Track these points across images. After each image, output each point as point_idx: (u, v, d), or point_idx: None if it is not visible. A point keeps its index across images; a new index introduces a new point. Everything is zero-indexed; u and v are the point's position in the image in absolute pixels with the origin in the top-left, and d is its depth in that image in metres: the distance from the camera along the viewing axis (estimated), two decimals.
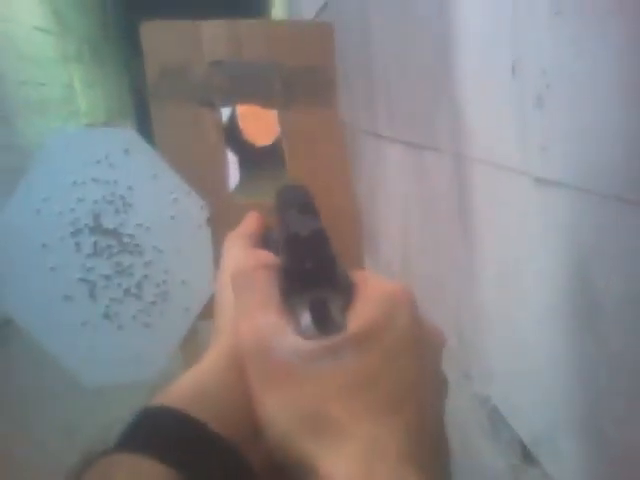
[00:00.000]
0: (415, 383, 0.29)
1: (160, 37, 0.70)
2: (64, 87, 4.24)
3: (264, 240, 0.39)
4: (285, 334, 0.28)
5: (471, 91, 0.90)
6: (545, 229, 0.70)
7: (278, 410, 0.27)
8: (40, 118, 3.64)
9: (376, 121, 1.59)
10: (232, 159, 0.97)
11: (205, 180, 0.71)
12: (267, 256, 0.33)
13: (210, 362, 0.31)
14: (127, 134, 0.66)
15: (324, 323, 0.29)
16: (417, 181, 1.29)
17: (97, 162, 0.65)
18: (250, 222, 0.41)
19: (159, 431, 0.26)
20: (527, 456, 0.86)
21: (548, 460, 0.79)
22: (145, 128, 0.75)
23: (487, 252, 0.92)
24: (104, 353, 0.71)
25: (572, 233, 0.63)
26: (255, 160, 1.14)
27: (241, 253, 0.35)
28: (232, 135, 1.11)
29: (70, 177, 0.65)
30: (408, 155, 1.33)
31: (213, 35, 0.77)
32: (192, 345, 0.77)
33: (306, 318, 0.29)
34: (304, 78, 0.83)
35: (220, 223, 0.79)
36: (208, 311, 0.80)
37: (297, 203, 0.37)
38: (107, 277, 0.67)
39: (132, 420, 0.27)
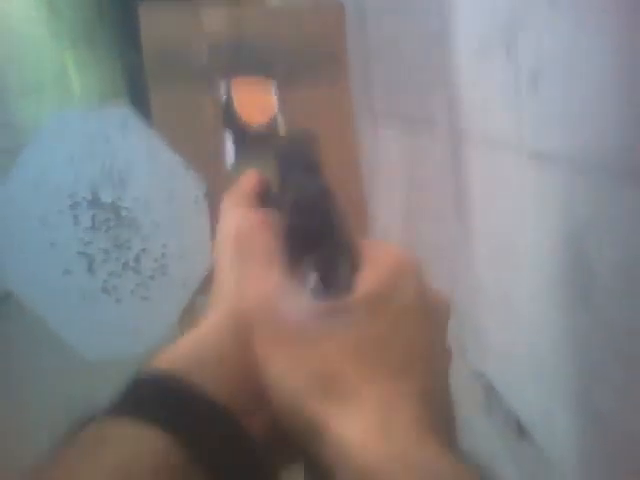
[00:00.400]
0: (423, 347, 0.28)
1: (158, 18, 0.70)
2: (58, 69, 4.22)
3: (263, 198, 0.37)
4: (293, 294, 0.27)
5: (467, 70, 0.90)
6: (540, 204, 0.70)
7: (287, 370, 0.26)
8: (35, 100, 3.62)
9: (373, 102, 1.59)
10: (228, 137, 0.98)
11: (202, 156, 0.71)
12: (268, 215, 0.32)
13: (209, 325, 0.29)
14: (124, 112, 0.66)
15: (332, 283, 0.28)
16: (414, 160, 1.29)
17: (94, 139, 0.65)
18: (248, 180, 0.38)
19: (155, 396, 0.25)
20: (522, 432, 0.88)
21: (543, 435, 0.81)
22: (140, 110, 0.75)
23: (483, 228, 0.93)
24: (103, 326, 0.71)
25: (566, 207, 0.64)
26: (250, 139, 1.13)
27: (240, 213, 0.33)
28: (227, 115, 1.11)
29: (68, 153, 0.65)
30: (405, 135, 1.33)
31: (212, 16, 0.77)
32: (190, 319, 0.77)
33: (313, 278, 0.28)
34: (308, 57, 0.83)
35: (217, 198, 0.80)
36: (206, 285, 0.81)
37: (301, 160, 0.36)
38: (105, 251, 0.68)
39: (126, 384, 0.26)
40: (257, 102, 1.06)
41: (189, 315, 0.79)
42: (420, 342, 0.28)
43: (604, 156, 0.55)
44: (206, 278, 0.75)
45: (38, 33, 4.05)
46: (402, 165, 1.40)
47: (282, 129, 0.89)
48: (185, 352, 0.28)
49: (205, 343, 0.28)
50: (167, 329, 0.77)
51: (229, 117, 1.03)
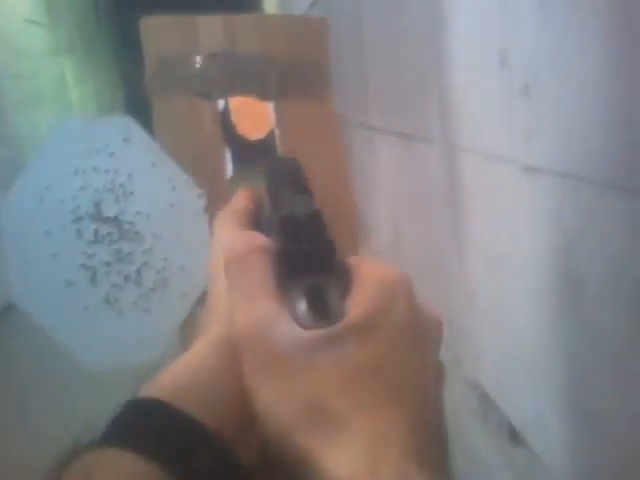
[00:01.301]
0: (416, 371, 0.28)
1: (158, 31, 0.72)
2: (56, 80, 4.23)
3: (255, 219, 0.37)
4: (283, 322, 0.27)
5: (460, 81, 0.92)
6: (532, 216, 0.72)
7: (276, 401, 0.25)
8: (33, 111, 3.63)
9: (368, 113, 1.60)
10: (228, 149, 0.99)
11: (202, 169, 0.73)
12: (260, 238, 0.31)
13: (201, 351, 0.28)
14: (127, 123, 0.67)
15: (321, 310, 0.27)
16: (408, 171, 1.30)
17: (97, 151, 0.66)
18: (240, 200, 0.38)
19: (144, 424, 0.25)
20: (515, 437, 0.89)
21: (536, 441, 0.82)
22: (137, 121, 0.77)
23: (477, 239, 0.95)
24: (105, 338, 0.72)
25: (558, 219, 0.65)
26: (248, 153, 1.15)
27: (233, 235, 0.33)
28: (225, 129, 1.12)
29: (71, 166, 0.66)
30: (399, 145, 1.34)
31: (209, 29, 0.79)
32: (191, 330, 0.78)
33: (302, 306, 0.27)
34: (298, 71, 0.85)
35: (217, 211, 0.81)
36: (206, 297, 0.82)
37: (290, 181, 0.35)
38: (108, 264, 0.69)
39: (117, 413, 0.25)
40: (254, 116, 1.08)
41: (190, 326, 0.80)
42: (412, 363, 0.28)
43: (595, 169, 0.57)
44: (206, 290, 0.76)
45: (36, 45, 4.07)
46: (397, 177, 1.42)
47: (279, 141, 0.90)
48: (176, 378, 0.27)
49: (196, 368, 0.28)
50: (168, 340, 0.78)
51: (226, 130, 1.05)
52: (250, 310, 0.27)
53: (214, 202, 0.75)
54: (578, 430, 0.68)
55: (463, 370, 1.07)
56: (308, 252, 0.28)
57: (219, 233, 0.36)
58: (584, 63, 0.56)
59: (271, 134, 0.98)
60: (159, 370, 0.29)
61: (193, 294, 0.76)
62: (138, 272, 0.71)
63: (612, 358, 0.59)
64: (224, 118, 1.02)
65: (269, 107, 0.87)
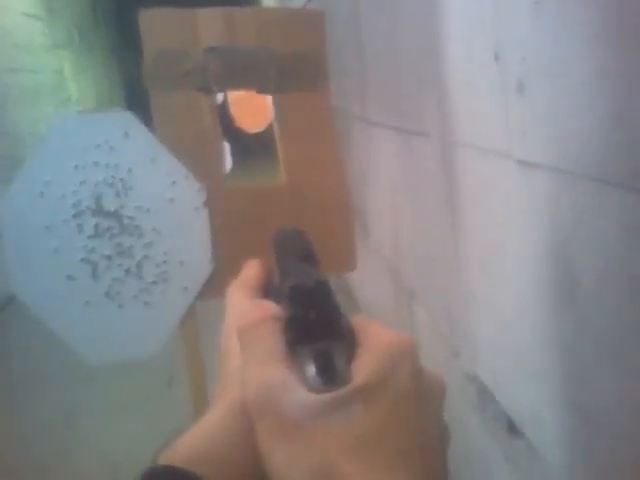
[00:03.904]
0: (421, 434, 0.28)
1: (157, 25, 0.72)
2: (55, 74, 4.23)
3: (265, 286, 0.39)
4: (293, 388, 0.28)
5: (456, 77, 0.92)
6: (527, 211, 0.73)
7: (287, 465, 0.26)
8: (32, 105, 3.63)
9: (367, 106, 1.61)
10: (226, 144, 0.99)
11: (201, 163, 0.73)
12: (271, 307, 0.33)
13: (216, 416, 0.30)
14: (126, 118, 0.68)
15: (329, 375, 0.28)
16: (406, 165, 1.31)
17: (98, 146, 0.67)
18: (251, 270, 0.40)
19: None
20: (513, 429, 0.90)
21: (532, 432, 0.83)
22: (136, 114, 0.77)
23: (473, 234, 0.95)
24: (106, 331, 0.73)
25: (552, 214, 0.66)
26: (247, 146, 1.15)
27: (245, 304, 0.35)
28: (224, 122, 1.13)
29: (72, 161, 0.67)
30: (397, 139, 1.35)
31: (208, 23, 0.79)
32: (191, 323, 0.79)
33: (311, 370, 0.29)
34: (296, 64, 0.86)
35: (216, 205, 0.82)
36: (206, 290, 0.83)
37: (296, 250, 0.37)
38: (108, 258, 0.70)
39: (137, 478, 0.26)
40: (253, 109, 1.08)
41: (190, 319, 0.81)
42: (417, 426, 0.29)
43: (589, 165, 0.57)
44: (206, 283, 0.77)
45: (35, 39, 4.06)
46: (395, 171, 1.42)
47: (277, 134, 0.91)
48: (192, 444, 0.29)
49: (211, 434, 0.29)
50: (169, 333, 0.79)
51: (224, 125, 1.05)
52: (261, 375, 0.29)
53: (212, 197, 0.75)
54: (575, 423, 0.69)
55: (462, 363, 1.08)
56: (316, 319, 0.30)
57: (231, 303, 0.37)
58: (577, 61, 0.56)
59: (270, 127, 0.98)
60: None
61: (193, 287, 0.77)
62: (139, 266, 0.72)
63: (608, 354, 0.59)
64: (223, 111, 1.02)
65: (268, 100, 0.87)
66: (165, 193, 0.70)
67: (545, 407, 0.76)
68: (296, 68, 0.84)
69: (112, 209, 0.68)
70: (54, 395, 1.66)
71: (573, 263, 0.63)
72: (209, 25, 0.76)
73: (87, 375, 1.43)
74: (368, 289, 1.98)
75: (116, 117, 0.68)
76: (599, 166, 0.56)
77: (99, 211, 0.67)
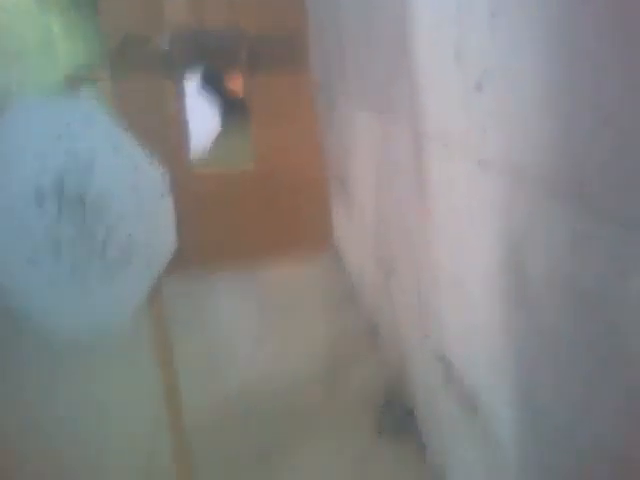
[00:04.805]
0: None
1: (120, 6, 0.72)
2: (42, 34, 4.15)
3: None
4: None
5: (424, 71, 0.93)
6: (485, 209, 0.74)
7: None
8: (20, 67, 3.58)
9: (347, 84, 1.61)
10: (200, 121, 0.99)
11: (165, 148, 0.73)
12: None
13: None
14: (89, 104, 0.68)
15: None
16: (383, 146, 1.32)
17: (59, 131, 0.67)
18: None
19: None
20: (473, 408, 0.92)
21: (488, 412, 0.86)
22: (101, 99, 0.77)
23: (441, 222, 0.97)
24: (71, 310, 0.74)
25: (507, 214, 0.68)
26: (238, 107, 1.15)
27: None
28: (216, 85, 1.12)
29: (35, 145, 0.67)
30: (375, 122, 1.36)
31: (174, 3, 0.78)
32: (157, 300, 0.81)
33: None
34: (271, 44, 0.85)
35: (181, 190, 0.82)
36: (170, 268, 0.84)
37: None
38: (72, 239, 0.70)
39: None
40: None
41: (156, 296, 0.82)
42: None
43: (540, 172, 0.59)
44: (170, 262, 0.78)
45: (23, 1, 3.98)
46: (374, 152, 1.44)
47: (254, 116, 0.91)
48: None
49: None
50: (134, 311, 0.80)
51: (217, 86, 1.04)
52: None
53: (177, 182, 0.76)
54: (523, 407, 0.72)
55: (431, 344, 1.10)
56: None
57: None
58: (528, 74, 0.58)
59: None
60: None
61: (157, 268, 0.78)
62: (102, 246, 0.72)
63: (556, 354, 0.61)
64: (208, 72, 1.01)
65: (240, 81, 0.87)
66: (128, 177, 0.71)
67: (499, 391, 0.79)
68: (270, 48, 0.84)
69: (75, 193, 0.68)
70: (26, 382, 1.65)
71: (523, 263, 0.65)
72: (175, 6, 0.76)
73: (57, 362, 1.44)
74: (354, 254, 1.99)
75: (79, 103, 0.68)
76: (550, 174, 0.57)
77: (62, 195, 0.68)
